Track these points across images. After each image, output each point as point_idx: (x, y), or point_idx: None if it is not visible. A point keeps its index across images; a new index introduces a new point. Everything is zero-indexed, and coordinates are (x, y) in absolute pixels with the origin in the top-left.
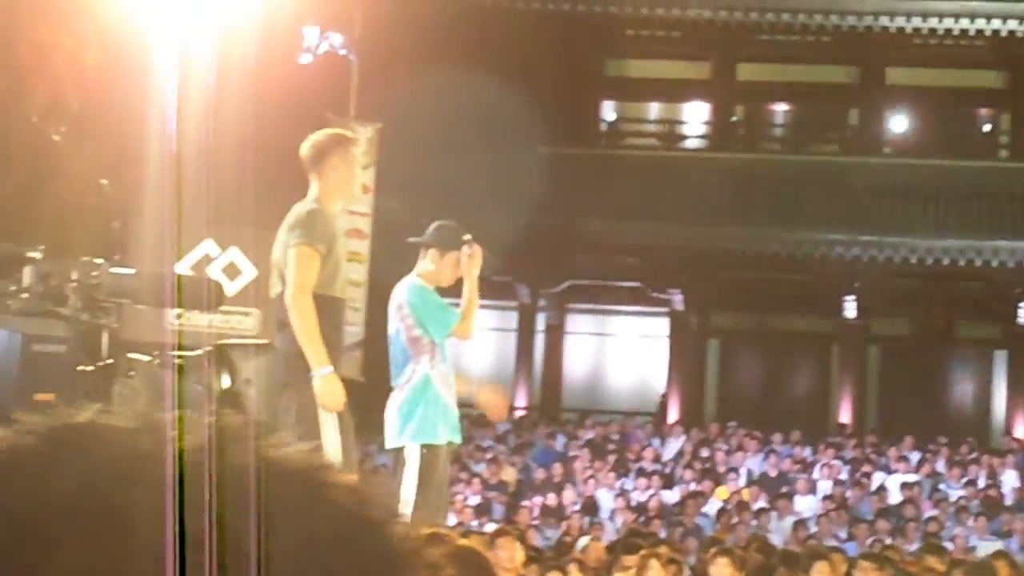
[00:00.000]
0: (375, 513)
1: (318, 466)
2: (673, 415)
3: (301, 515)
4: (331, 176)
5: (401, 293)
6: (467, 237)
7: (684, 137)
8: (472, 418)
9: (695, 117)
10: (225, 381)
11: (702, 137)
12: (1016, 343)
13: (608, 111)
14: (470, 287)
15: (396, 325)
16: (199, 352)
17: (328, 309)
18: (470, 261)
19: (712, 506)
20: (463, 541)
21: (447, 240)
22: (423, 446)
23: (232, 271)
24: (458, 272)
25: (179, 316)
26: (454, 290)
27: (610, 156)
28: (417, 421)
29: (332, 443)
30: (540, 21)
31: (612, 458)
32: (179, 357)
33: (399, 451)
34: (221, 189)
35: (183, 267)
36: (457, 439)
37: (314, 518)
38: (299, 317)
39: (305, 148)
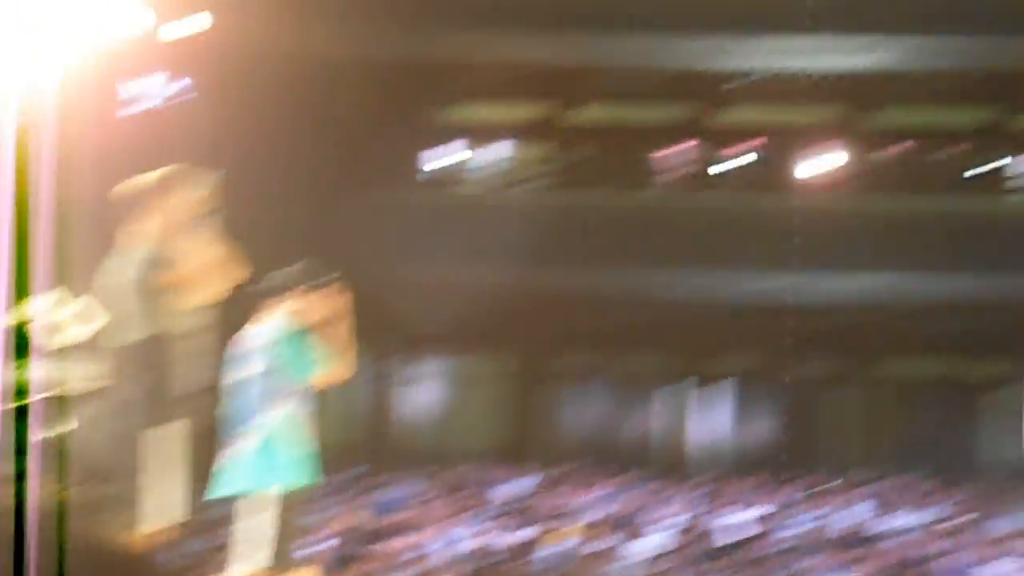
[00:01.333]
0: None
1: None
2: (520, 456)
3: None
4: (161, 218)
5: (265, 333)
6: (333, 275)
7: (524, 179)
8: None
9: (528, 156)
10: (58, 428)
11: (537, 177)
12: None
13: (437, 155)
14: (342, 328)
15: (257, 367)
16: (30, 400)
17: (163, 351)
18: (338, 301)
19: (564, 545)
20: None
21: (308, 279)
22: (282, 490)
23: (71, 321)
24: (322, 312)
25: (18, 366)
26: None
27: (439, 199)
28: (281, 464)
29: (174, 492)
30: (374, 70)
31: (462, 501)
32: (14, 405)
33: (243, 497)
34: (63, 241)
35: (21, 315)
36: (315, 480)
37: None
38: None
39: (135, 190)
